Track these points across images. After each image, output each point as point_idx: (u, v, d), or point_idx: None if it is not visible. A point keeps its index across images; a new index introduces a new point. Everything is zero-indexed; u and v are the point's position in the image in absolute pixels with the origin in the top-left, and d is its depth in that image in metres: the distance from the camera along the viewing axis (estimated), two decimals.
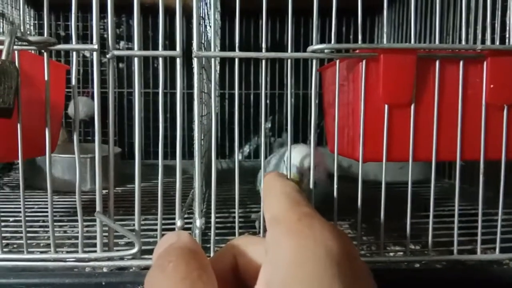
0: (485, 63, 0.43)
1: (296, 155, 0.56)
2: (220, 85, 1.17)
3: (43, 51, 0.40)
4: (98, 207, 0.41)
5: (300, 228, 0.20)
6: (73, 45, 0.40)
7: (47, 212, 0.67)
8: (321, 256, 0.18)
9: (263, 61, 0.43)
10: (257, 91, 1.27)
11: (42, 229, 0.61)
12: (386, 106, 0.43)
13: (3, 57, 0.36)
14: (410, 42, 0.44)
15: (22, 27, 0.42)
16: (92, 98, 0.71)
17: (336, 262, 0.18)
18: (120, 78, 1.25)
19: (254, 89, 1.27)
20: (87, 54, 1.22)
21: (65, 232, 0.63)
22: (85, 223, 0.59)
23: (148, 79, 1.22)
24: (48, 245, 0.53)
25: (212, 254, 0.44)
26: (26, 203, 0.72)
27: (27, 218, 0.64)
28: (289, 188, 0.26)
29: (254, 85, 1.27)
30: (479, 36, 0.52)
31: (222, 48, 1.13)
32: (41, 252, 0.49)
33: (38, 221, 0.65)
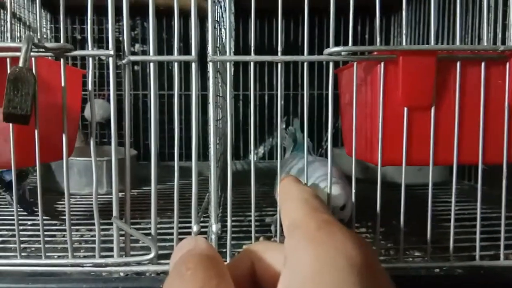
0: (507, 64, 0.42)
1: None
2: (234, 86, 1.17)
3: (59, 57, 0.40)
4: (114, 212, 0.41)
5: (320, 236, 0.19)
6: (89, 51, 0.40)
7: (63, 215, 0.68)
8: (341, 264, 0.18)
9: (279, 65, 0.42)
10: (272, 92, 1.26)
11: (59, 232, 0.62)
12: (405, 109, 0.42)
13: (20, 64, 0.36)
14: (428, 42, 0.43)
15: (38, 33, 0.42)
16: (108, 100, 0.71)
17: (356, 270, 0.18)
18: (135, 81, 1.26)
19: (268, 90, 1.26)
20: (103, 57, 1.22)
21: (81, 236, 0.63)
22: (102, 227, 0.59)
23: (163, 81, 1.23)
24: (64, 249, 0.53)
25: (228, 259, 0.44)
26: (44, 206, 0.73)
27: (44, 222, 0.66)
28: (307, 193, 0.25)
29: (268, 86, 1.26)
30: (499, 36, 0.50)
31: (236, 50, 1.13)
32: (59, 257, 0.49)
33: (55, 224, 0.65)
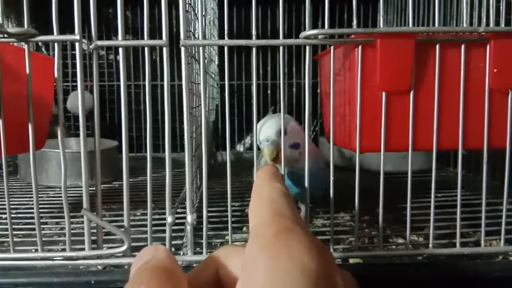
0: (488, 46, 0.41)
1: (268, 129, 0.54)
2: (220, 76, 1.15)
3: (24, 43, 0.39)
4: (85, 204, 0.40)
5: (276, 245, 0.18)
6: (54, 36, 0.39)
7: (43, 208, 0.67)
8: (296, 277, 0.17)
9: (253, 50, 0.41)
10: (259, 82, 1.25)
11: (44, 225, 0.60)
12: (383, 93, 0.41)
13: None
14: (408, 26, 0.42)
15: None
16: (91, 91, 0.71)
17: (312, 282, 0.17)
18: (118, 71, 1.23)
19: (257, 79, 1.24)
20: (85, 47, 1.20)
21: (61, 229, 0.61)
22: (78, 219, 0.58)
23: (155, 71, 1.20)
24: (45, 242, 0.52)
25: (204, 251, 0.43)
26: (21, 199, 0.72)
27: (22, 215, 0.64)
28: (275, 193, 0.24)
29: (257, 75, 1.24)
30: (484, 20, 0.50)
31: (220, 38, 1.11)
32: (27, 251, 0.48)
33: (33, 217, 0.64)
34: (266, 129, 0.53)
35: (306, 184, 0.42)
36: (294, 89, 1.27)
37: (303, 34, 0.41)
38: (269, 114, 0.62)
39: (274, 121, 0.54)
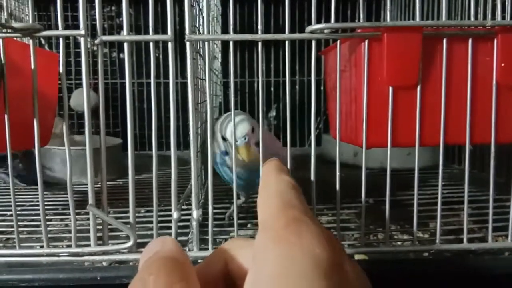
0: (495, 40, 0.41)
1: (244, 127, 0.51)
2: (223, 73, 1.15)
3: (29, 38, 0.39)
4: (90, 200, 0.40)
5: (286, 236, 0.18)
6: (59, 31, 0.38)
7: (48, 205, 0.67)
8: (308, 267, 0.17)
9: (260, 44, 0.41)
10: (262, 79, 1.24)
11: (49, 222, 0.60)
12: (390, 88, 0.41)
13: None
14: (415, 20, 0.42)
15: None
16: (94, 89, 0.71)
17: (323, 272, 0.17)
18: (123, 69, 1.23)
19: (260, 77, 1.24)
20: (89, 44, 1.20)
21: (66, 225, 0.61)
22: (83, 216, 0.58)
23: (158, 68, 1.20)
24: (51, 239, 0.52)
25: (210, 246, 0.43)
26: (26, 196, 0.72)
27: (27, 212, 0.64)
28: (284, 185, 0.24)
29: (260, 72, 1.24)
30: (489, 15, 0.49)
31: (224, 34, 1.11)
32: (33, 247, 0.48)
33: (39, 214, 0.64)
34: (242, 127, 0.51)
35: (312, 177, 0.41)
36: (297, 87, 1.27)
37: (309, 28, 0.40)
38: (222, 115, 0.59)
39: (246, 119, 0.53)
